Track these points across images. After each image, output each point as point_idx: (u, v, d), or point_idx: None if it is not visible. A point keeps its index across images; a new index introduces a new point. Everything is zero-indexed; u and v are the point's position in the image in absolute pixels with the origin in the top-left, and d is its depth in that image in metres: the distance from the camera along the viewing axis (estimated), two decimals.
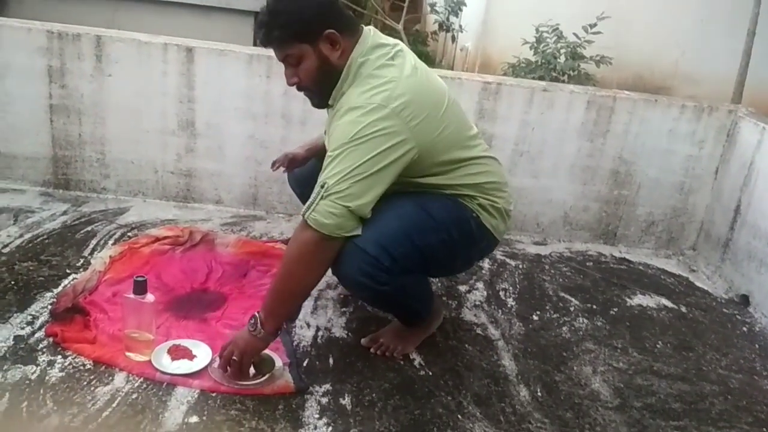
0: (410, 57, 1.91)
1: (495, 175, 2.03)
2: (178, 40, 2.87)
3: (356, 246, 1.79)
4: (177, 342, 1.96)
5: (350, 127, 1.74)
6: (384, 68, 1.82)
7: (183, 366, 1.87)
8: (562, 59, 4.31)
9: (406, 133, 1.76)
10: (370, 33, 1.89)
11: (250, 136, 2.93)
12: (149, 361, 1.87)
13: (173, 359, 1.89)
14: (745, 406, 2.05)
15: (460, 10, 5.36)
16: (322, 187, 1.73)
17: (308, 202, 1.75)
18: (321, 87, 1.88)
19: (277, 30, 1.81)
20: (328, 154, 1.78)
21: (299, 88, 1.91)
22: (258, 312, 1.81)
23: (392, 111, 1.74)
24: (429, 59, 5.95)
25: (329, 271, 1.87)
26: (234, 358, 1.80)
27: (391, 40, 1.93)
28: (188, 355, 1.91)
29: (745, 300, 2.71)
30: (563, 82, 4.01)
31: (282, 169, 2.29)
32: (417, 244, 1.86)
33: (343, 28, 1.83)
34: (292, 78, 1.87)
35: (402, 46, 1.93)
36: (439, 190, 1.94)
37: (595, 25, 4.21)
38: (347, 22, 1.86)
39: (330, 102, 1.90)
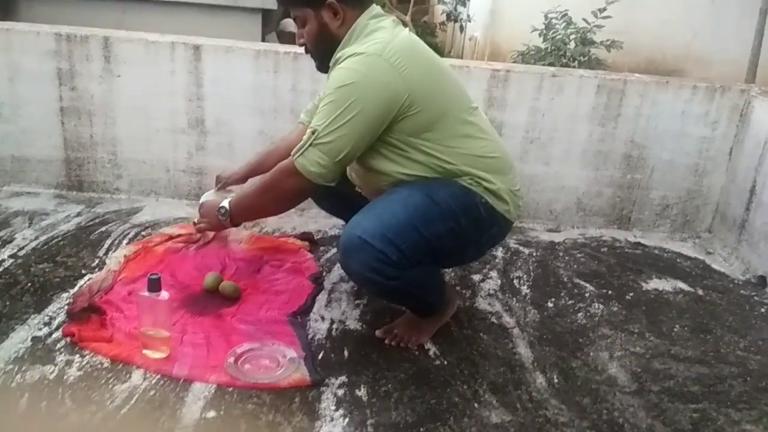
0: (411, 32, 2.01)
1: (498, 152, 2.01)
2: (185, 39, 2.88)
3: (363, 240, 1.79)
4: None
5: (343, 72, 1.84)
6: (383, 29, 1.92)
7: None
8: (572, 45, 4.29)
9: (396, 80, 1.81)
10: (376, 8, 1.99)
11: (259, 131, 2.94)
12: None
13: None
14: (764, 387, 2.02)
15: None
16: (313, 133, 1.83)
17: (299, 145, 1.87)
18: (320, 51, 2.01)
19: None
20: (322, 98, 1.88)
21: (306, 51, 2.04)
22: (229, 204, 2.07)
23: (384, 60, 1.82)
24: (438, 50, 5.91)
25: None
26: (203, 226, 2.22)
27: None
28: None
29: (762, 281, 2.68)
30: (574, 68, 3.98)
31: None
32: (424, 234, 1.85)
33: (348, 0, 1.93)
34: (299, 39, 2.02)
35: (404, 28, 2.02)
36: (442, 161, 1.92)
37: (604, 9, 4.18)
38: None
39: (330, 65, 1.97)
